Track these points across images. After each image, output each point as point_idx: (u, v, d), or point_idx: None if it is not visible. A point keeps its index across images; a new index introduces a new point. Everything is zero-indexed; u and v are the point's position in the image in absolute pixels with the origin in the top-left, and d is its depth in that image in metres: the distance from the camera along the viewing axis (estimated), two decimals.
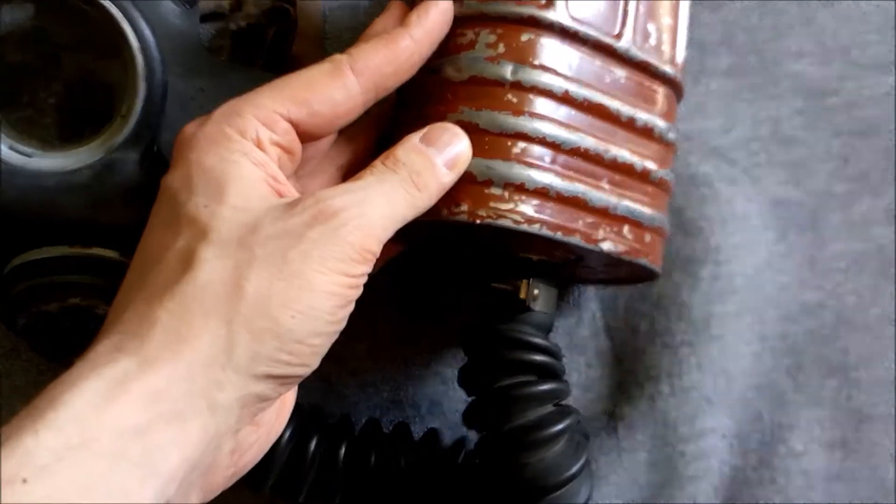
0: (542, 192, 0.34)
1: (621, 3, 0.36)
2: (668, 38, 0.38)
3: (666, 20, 0.38)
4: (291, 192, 0.32)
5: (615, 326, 0.47)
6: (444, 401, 0.46)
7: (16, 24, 0.39)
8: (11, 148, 0.36)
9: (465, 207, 0.34)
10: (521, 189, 0.34)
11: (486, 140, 0.34)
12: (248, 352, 0.27)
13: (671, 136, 0.38)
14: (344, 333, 0.30)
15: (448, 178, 0.33)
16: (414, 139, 0.33)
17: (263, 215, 0.29)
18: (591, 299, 0.47)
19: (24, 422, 0.24)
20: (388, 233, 0.31)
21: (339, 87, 0.32)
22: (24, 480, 0.23)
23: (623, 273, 0.41)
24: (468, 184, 0.34)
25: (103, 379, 0.25)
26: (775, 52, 0.49)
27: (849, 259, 0.48)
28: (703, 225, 0.46)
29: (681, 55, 0.38)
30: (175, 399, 0.26)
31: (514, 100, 0.34)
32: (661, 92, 0.38)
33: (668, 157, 0.38)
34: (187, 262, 0.28)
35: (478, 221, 0.33)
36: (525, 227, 0.33)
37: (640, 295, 0.47)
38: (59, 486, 0.23)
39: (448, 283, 0.46)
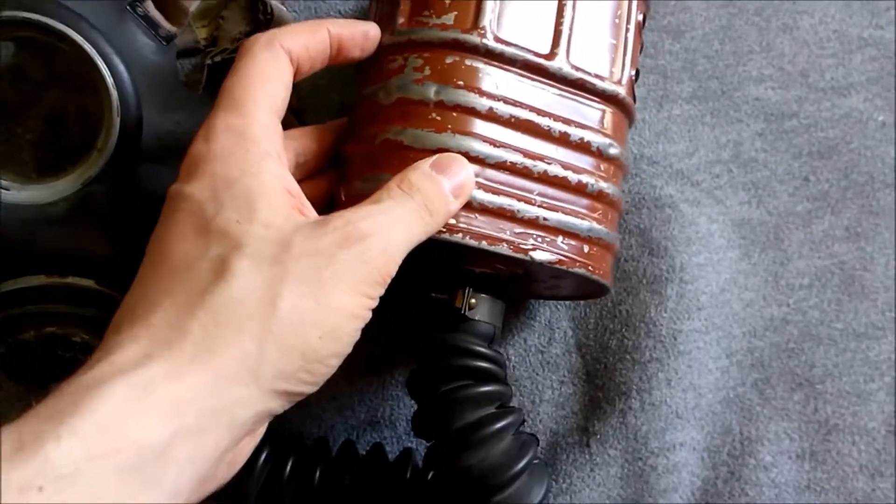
0: (466, 204, 0.35)
1: (553, 24, 0.37)
2: (609, 58, 0.39)
3: (608, 40, 0.39)
4: (307, 206, 0.32)
5: (586, 344, 0.48)
6: None
7: None
8: None
9: None
10: None
11: (411, 157, 0.35)
12: (273, 369, 0.28)
13: (612, 151, 0.38)
14: None
15: (454, 205, 0.34)
16: (424, 166, 0.34)
17: (293, 233, 0.30)
18: (563, 318, 0.48)
19: (45, 425, 0.24)
20: (403, 257, 0.32)
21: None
22: (41, 489, 0.23)
23: (572, 287, 0.42)
24: None
25: (129, 386, 0.25)
26: (736, 78, 0.51)
27: (811, 275, 0.50)
28: (668, 245, 0.47)
29: (625, 74, 0.39)
30: (199, 413, 0.26)
31: (438, 118, 0.35)
32: (601, 108, 0.38)
33: (610, 171, 0.39)
34: (220, 271, 0.28)
35: None
36: (447, 236, 0.34)
37: (610, 313, 0.48)
38: (74, 498, 0.23)
39: (397, 296, 0.47)
